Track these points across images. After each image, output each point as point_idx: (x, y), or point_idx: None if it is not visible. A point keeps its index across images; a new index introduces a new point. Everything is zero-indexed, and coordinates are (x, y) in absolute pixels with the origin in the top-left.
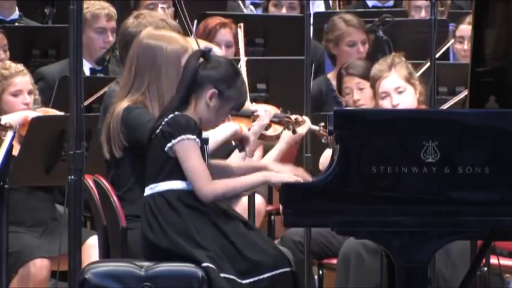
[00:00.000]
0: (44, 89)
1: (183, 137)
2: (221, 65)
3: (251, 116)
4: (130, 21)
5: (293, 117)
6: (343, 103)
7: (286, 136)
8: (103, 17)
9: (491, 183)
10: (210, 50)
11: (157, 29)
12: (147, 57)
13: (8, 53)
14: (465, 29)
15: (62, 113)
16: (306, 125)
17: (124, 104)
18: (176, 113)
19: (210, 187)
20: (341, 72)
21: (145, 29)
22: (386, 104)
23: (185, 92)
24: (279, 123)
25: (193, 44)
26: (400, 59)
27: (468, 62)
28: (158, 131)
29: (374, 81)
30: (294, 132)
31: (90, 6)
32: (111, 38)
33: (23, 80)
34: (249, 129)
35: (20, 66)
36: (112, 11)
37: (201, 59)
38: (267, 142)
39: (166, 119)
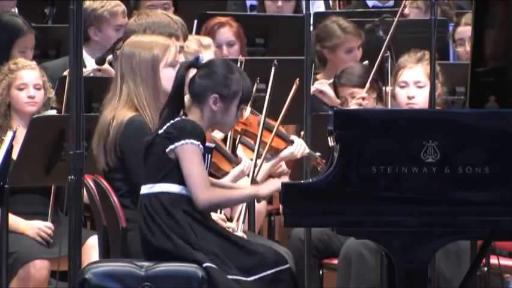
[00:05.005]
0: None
1: (187, 141)
2: (213, 69)
3: (232, 162)
4: (132, 20)
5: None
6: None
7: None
8: (120, 14)
9: (491, 183)
10: (197, 58)
11: (158, 27)
12: (126, 64)
13: (32, 51)
14: (463, 30)
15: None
16: (304, 150)
17: (125, 113)
18: (183, 117)
19: (207, 195)
20: (335, 80)
21: (146, 26)
22: (402, 94)
23: (174, 103)
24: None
25: (191, 43)
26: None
27: (468, 62)
28: (162, 131)
29: (397, 69)
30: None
31: (105, 5)
32: None
33: (29, 73)
34: (227, 173)
35: (30, 62)
36: (124, 7)
37: (193, 69)
38: None
39: (172, 121)
